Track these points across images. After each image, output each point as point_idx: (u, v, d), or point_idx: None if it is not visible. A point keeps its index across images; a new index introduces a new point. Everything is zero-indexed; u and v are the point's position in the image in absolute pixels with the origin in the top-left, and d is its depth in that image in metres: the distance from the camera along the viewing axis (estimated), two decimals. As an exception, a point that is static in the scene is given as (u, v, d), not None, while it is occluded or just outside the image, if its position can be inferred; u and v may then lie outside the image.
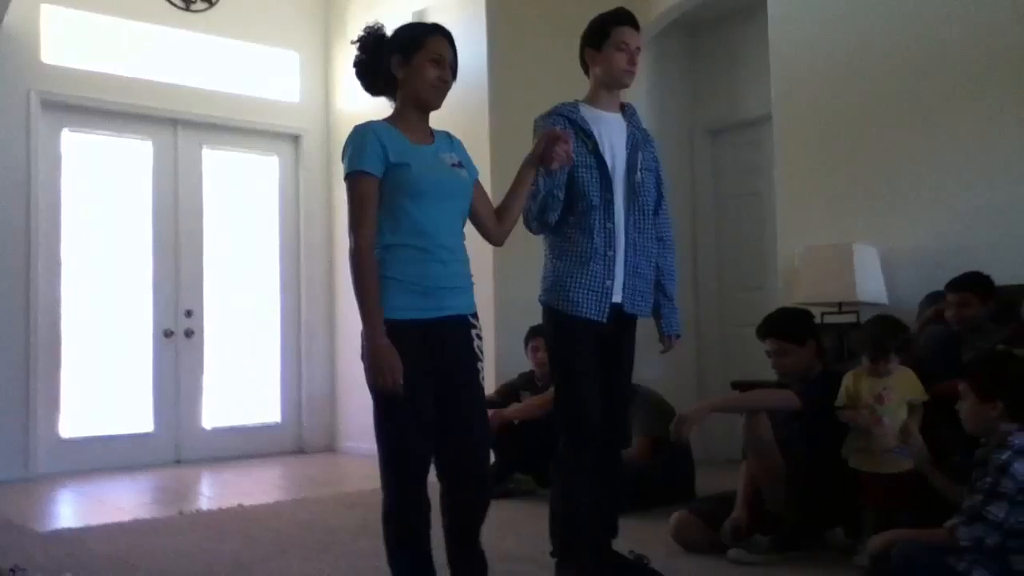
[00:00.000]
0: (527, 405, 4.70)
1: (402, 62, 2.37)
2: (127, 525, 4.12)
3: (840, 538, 3.30)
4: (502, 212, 2.55)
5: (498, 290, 5.35)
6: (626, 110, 2.92)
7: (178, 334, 6.44)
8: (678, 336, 3.00)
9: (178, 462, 6.33)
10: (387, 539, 2.33)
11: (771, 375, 3.57)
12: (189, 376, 6.49)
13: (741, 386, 4.12)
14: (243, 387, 6.81)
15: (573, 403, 2.77)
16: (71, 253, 6.05)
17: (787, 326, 3.46)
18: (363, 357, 2.23)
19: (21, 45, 5.82)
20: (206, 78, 6.62)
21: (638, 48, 2.83)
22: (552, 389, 4.59)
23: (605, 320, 2.75)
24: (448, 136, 2.51)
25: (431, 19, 6.12)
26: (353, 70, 2.50)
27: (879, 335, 3.12)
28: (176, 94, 6.46)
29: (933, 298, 3.70)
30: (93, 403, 6.09)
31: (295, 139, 7.13)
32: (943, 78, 4.13)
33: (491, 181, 5.40)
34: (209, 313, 6.61)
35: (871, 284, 4.10)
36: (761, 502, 3.27)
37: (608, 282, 2.75)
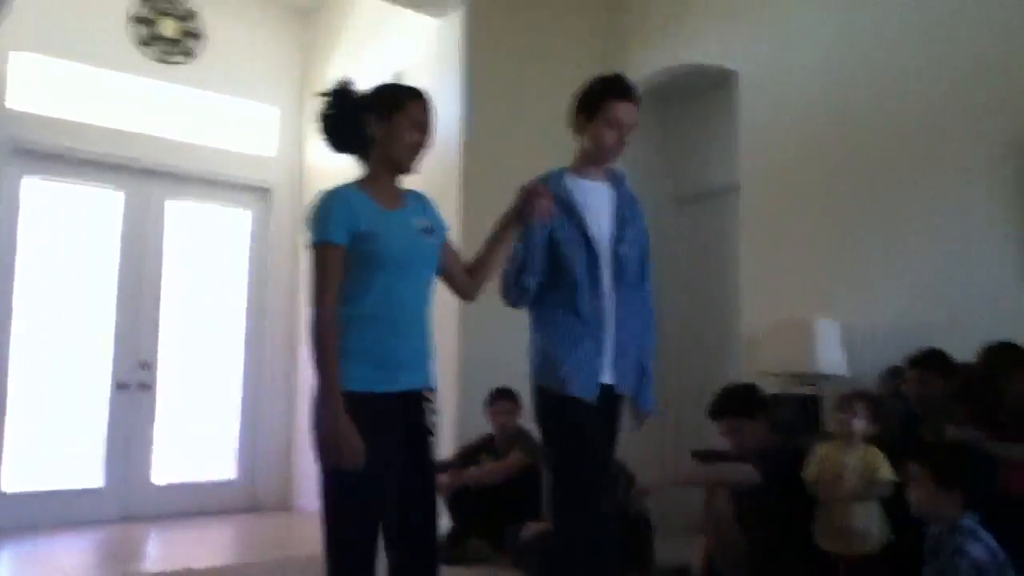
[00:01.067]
0: (488, 470, 4.62)
1: (380, 122, 2.34)
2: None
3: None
4: (476, 266, 2.52)
5: (462, 349, 5.30)
6: (615, 177, 2.81)
7: (133, 387, 6.30)
8: (655, 414, 2.88)
9: (126, 519, 6.14)
10: None
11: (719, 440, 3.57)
12: (142, 430, 6.33)
13: (702, 455, 4.09)
14: (198, 442, 6.65)
15: (571, 490, 2.60)
16: (27, 302, 5.92)
17: (737, 403, 3.49)
18: (316, 428, 2.17)
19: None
20: (178, 129, 6.60)
21: (632, 124, 2.69)
22: (512, 456, 4.57)
23: (594, 401, 2.64)
24: (419, 197, 2.47)
25: (410, 80, 6.15)
26: (318, 125, 2.45)
27: (844, 394, 3.17)
28: (148, 144, 6.43)
29: (893, 372, 3.71)
30: (40, 457, 5.91)
31: (266, 192, 7.11)
32: (906, 157, 4.20)
33: (462, 241, 5.40)
34: (166, 366, 6.48)
35: (831, 356, 4.12)
36: (719, 577, 3.22)
37: (598, 360, 2.65)
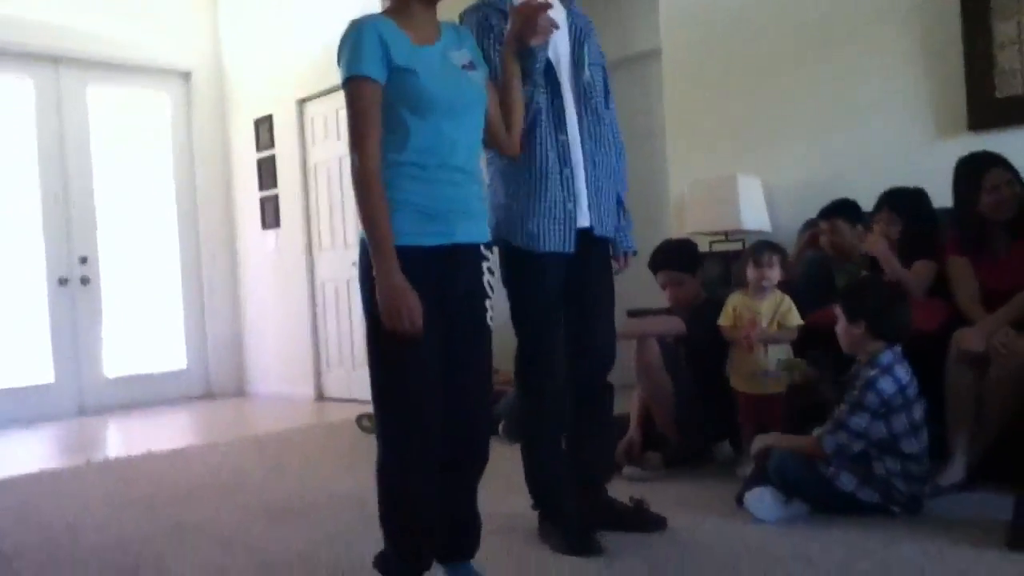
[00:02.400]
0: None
1: None
2: (32, 476, 4.10)
3: (726, 452, 3.55)
4: (504, 118, 2.24)
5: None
6: None
7: (73, 281, 6.29)
8: (635, 253, 2.71)
9: (82, 413, 6.25)
10: (381, 498, 2.02)
11: (662, 303, 3.76)
12: (88, 324, 6.37)
13: (636, 314, 4.30)
14: (146, 334, 6.72)
15: (538, 355, 2.46)
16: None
17: (678, 257, 3.65)
18: (367, 286, 1.96)
19: None
20: (89, 14, 6.34)
21: None
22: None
23: (572, 250, 2.42)
24: (455, 30, 2.15)
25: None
26: None
27: (757, 245, 3.37)
28: (57, 31, 6.18)
29: (809, 225, 3.91)
30: (-13, 356, 5.93)
31: (185, 76, 6.93)
32: (823, 20, 4.28)
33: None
34: (105, 259, 6.46)
35: (755, 213, 4.31)
36: (652, 423, 3.48)
37: (570, 205, 2.40)
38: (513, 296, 2.50)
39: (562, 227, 2.39)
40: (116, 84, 6.60)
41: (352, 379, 6.15)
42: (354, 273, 5.87)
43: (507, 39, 2.24)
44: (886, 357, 2.69)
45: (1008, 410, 2.80)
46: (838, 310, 2.84)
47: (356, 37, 1.94)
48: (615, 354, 2.65)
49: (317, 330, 6.44)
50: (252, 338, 6.99)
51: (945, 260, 3.21)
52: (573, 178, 2.42)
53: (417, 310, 1.88)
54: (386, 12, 2.05)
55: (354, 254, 5.92)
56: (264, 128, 6.70)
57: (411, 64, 1.95)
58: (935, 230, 3.32)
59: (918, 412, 2.68)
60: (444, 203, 1.99)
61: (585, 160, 2.44)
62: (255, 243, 6.90)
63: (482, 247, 2.10)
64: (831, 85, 4.23)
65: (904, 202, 3.38)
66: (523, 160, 2.37)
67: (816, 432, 2.72)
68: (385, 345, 1.93)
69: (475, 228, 2.07)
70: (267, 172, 6.72)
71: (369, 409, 5.12)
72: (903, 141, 3.99)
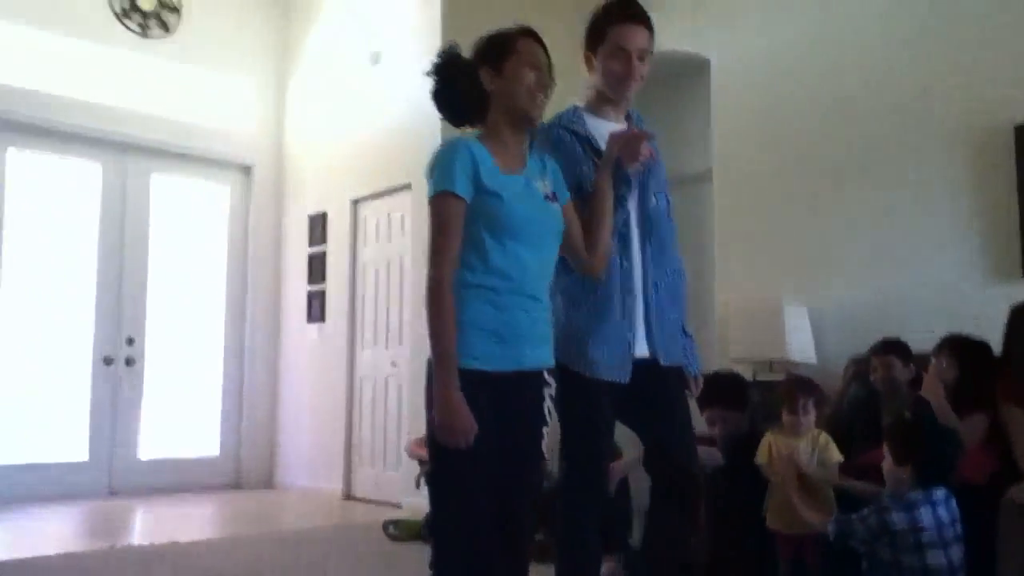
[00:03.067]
0: None
1: (493, 74, 2.09)
2: (55, 559, 4.07)
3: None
4: (591, 238, 2.23)
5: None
6: (631, 119, 2.48)
7: (119, 362, 6.38)
8: (701, 376, 2.61)
9: (112, 493, 6.24)
10: None
11: (702, 422, 3.70)
12: (127, 405, 6.42)
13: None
14: (182, 418, 6.75)
15: (582, 482, 2.37)
16: (10, 275, 5.97)
17: (730, 395, 3.60)
18: (430, 404, 1.98)
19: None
20: (158, 103, 6.63)
21: (643, 49, 2.35)
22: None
23: (627, 382, 2.34)
24: (541, 158, 2.20)
25: (387, 61, 6.24)
26: (434, 103, 2.17)
27: (791, 388, 3.29)
28: (127, 118, 6.47)
29: (855, 361, 3.85)
30: (25, 430, 5.99)
31: (247, 169, 7.15)
32: (874, 148, 4.32)
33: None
34: (151, 342, 6.56)
35: (801, 344, 4.26)
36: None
37: (629, 334, 2.33)
38: (565, 419, 2.40)
39: (621, 356, 2.33)
40: (180, 173, 6.84)
41: (381, 479, 6.08)
42: (392, 372, 6.02)
43: (604, 160, 2.28)
44: (914, 496, 2.62)
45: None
46: (885, 449, 2.77)
47: (450, 155, 2.01)
48: (695, 458, 2.51)
49: (352, 426, 6.42)
50: (286, 429, 6.98)
51: (999, 408, 3.12)
52: (634, 307, 2.36)
53: (472, 428, 1.90)
54: (479, 137, 2.11)
55: (395, 354, 6.05)
56: (318, 224, 6.85)
57: (497, 188, 2.01)
58: (991, 379, 3.23)
59: (956, 554, 2.58)
60: (514, 328, 2.02)
61: (647, 287, 2.39)
62: (299, 335, 6.97)
63: (545, 373, 2.11)
64: (883, 219, 4.24)
65: (966, 352, 3.30)
66: (586, 283, 2.33)
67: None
68: (442, 465, 1.99)
69: (541, 354, 2.10)
70: (317, 267, 6.84)
71: (396, 515, 5.05)
72: (954, 282, 3.95)
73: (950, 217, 4.00)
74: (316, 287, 6.84)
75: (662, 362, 2.39)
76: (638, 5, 2.39)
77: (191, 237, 6.90)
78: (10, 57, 5.99)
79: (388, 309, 6.20)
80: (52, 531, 4.94)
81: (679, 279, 2.55)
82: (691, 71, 5.54)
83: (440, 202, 2.00)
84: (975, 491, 2.81)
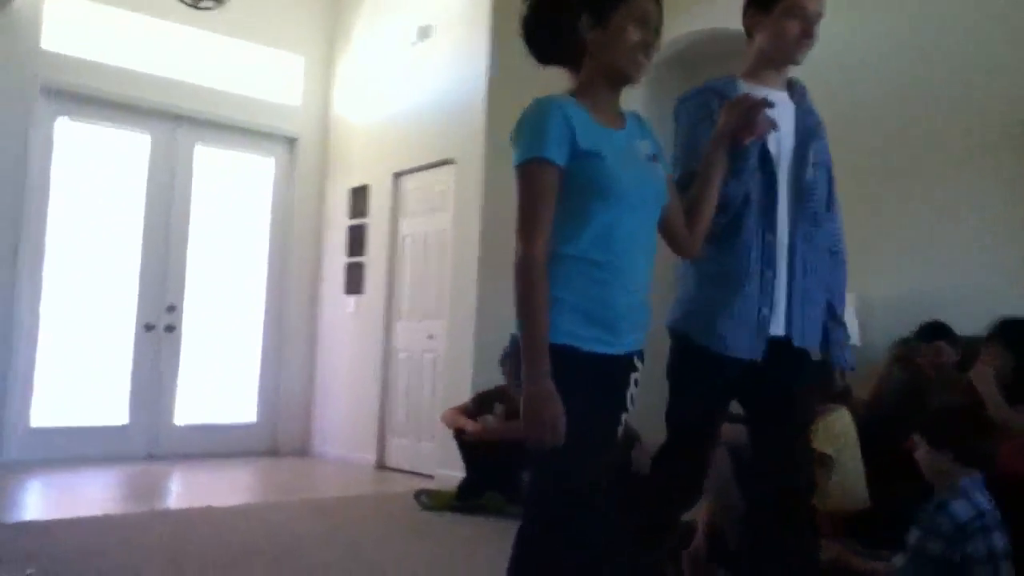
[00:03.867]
0: (510, 426, 4.67)
1: (594, 24, 1.87)
2: (96, 520, 4.14)
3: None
4: (692, 214, 2.05)
5: (481, 302, 5.41)
6: (795, 89, 2.35)
7: (159, 329, 6.46)
8: (852, 369, 2.45)
9: (150, 457, 6.34)
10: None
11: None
12: (167, 371, 6.51)
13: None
14: (220, 385, 6.83)
15: (684, 460, 2.29)
16: (58, 241, 6.06)
17: None
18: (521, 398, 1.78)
19: (24, 30, 5.85)
20: (208, 76, 6.67)
21: (819, 14, 2.23)
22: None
23: (760, 358, 2.18)
24: (638, 118, 2.00)
25: (435, 36, 6.21)
26: (520, 30, 1.97)
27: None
28: (177, 89, 6.51)
29: (901, 343, 3.77)
30: (67, 393, 6.09)
31: (291, 142, 7.18)
32: (922, 137, 4.22)
33: (485, 205, 5.49)
34: (191, 309, 6.63)
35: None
36: (723, 539, 3.32)
37: (765, 310, 2.17)
38: (676, 392, 2.30)
39: (753, 333, 2.16)
40: (226, 145, 6.88)
41: (416, 451, 6.11)
42: (429, 345, 6.03)
43: (718, 132, 2.09)
44: (967, 481, 2.54)
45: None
46: (918, 437, 2.70)
47: (539, 117, 1.80)
48: (810, 476, 2.35)
49: (387, 397, 6.45)
50: (321, 399, 7.03)
51: None
52: (774, 283, 2.18)
53: (561, 420, 1.72)
54: (570, 92, 1.91)
55: (432, 327, 6.06)
56: (360, 197, 6.86)
57: (598, 147, 1.80)
58: None
59: (1000, 542, 2.49)
60: (612, 311, 1.82)
61: (794, 264, 2.21)
62: (337, 306, 7.00)
63: (635, 359, 1.92)
64: (933, 203, 4.13)
65: (1016, 334, 3.20)
66: (723, 254, 2.18)
67: (895, 560, 2.56)
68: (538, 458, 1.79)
69: (636, 339, 1.91)
70: (356, 240, 6.86)
71: (428, 485, 5.07)
72: (1002, 269, 3.84)
73: (998, 208, 3.90)
74: (355, 259, 6.86)
75: (795, 343, 2.21)
76: None
77: (235, 208, 6.95)
78: (62, 28, 6.05)
79: (427, 282, 6.20)
80: (93, 494, 5.03)
81: (838, 261, 2.37)
82: (742, 50, 5.44)
83: (531, 169, 1.78)
84: (1019, 483, 2.74)
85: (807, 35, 2.21)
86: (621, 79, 1.90)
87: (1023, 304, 3.51)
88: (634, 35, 1.85)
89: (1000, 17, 4.03)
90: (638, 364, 1.93)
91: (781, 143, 2.21)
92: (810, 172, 2.24)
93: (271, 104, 7.02)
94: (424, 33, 6.27)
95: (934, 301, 3.97)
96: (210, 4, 6.60)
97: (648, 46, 1.87)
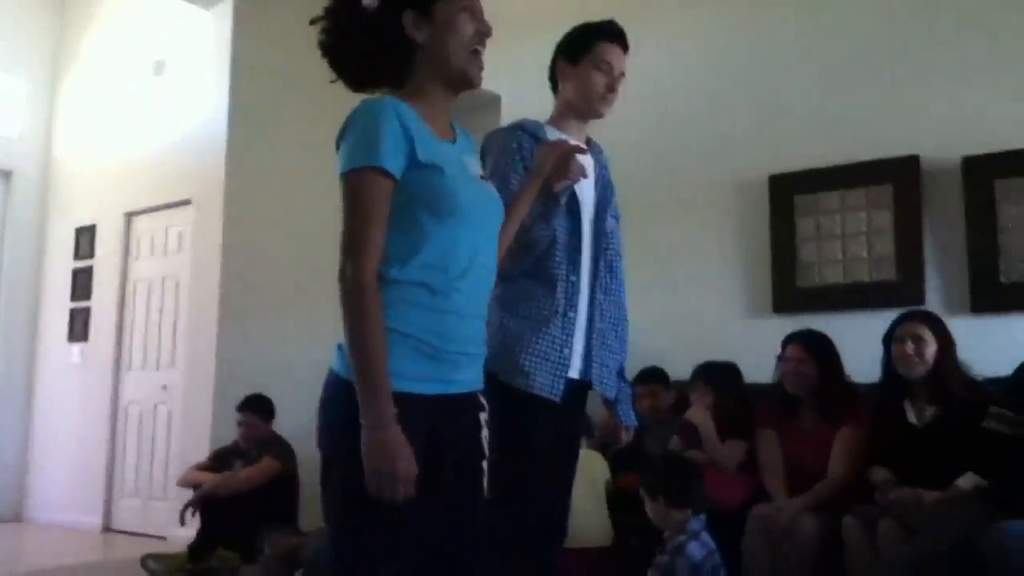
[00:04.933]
0: (243, 476, 4.48)
1: (420, 21, 1.66)
2: None
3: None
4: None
5: (220, 349, 5.15)
6: (591, 144, 2.41)
7: None
8: (636, 426, 2.46)
9: None
10: None
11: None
12: None
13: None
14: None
15: (523, 508, 2.09)
16: None
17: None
18: (334, 433, 1.56)
19: None
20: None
21: (622, 74, 2.31)
22: (263, 462, 4.49)
23: (559, 399, 2.13)
24: (466, 133, 1.80)
25: (172, 70, 5.95)
26: (325, 56, 1.72)
27: None
28: None
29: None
30: None
31: (5, 175, 6.55)
32: (650, 191, 4.57)
33: (224, 238, 5.25)
34: None
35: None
36: None
37: (566, 350, 2.15)
38: (501, 436, 1.98)
39: (554, 371, 2.13)
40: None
41: (147, 511, 5.70)
42: (162, 397, 5.67)
43: (534, 172, 2.11)
44: (694, 524, 2.77)
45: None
46: (647, 492, 2.89)
47: (372, 120, 1.55)
48: (566, 531, 2.29)
49: (115, 454, 5.98)
50: (39, 457, 6.39)
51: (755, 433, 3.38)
52: (574, 324, 2.19)
53: (413, 472, 1.46)
54: (400, 95, 1.65)
55: (166, 377, 5.71)
56: (85, 238, 6.37)
57: (438, 160, 1.58)
58: (748, 406, 3.50)
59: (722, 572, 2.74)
60: (448, 342, 1.58)
61: (593, 309, 2.24)
62: (58, 355, 6.42)
63: (480, 396, 1.70)
64: (654, 251, 4.45)
65: (717, 375, 3.57)
66: (532, 291, 2.17)
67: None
68: (358, 512, 1.49)
69: (475, 373, 1.68)
70: (82, 283, 6.35)
71: (159, 547, 4.73)
72: (716, 316, 4.24)
73: (717, 256, 4.30)
74: (80, 304, 6.34)
75: (595, 386, 2.24)
76: (623, 31, 2.34)
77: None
78: None
79: (161, 329, 5.85)
80: None
81: (624, 318, 2.41)
82: (483, 106, 5.66)
83: (360, 180, 1.53)
84: (729, 514, 3.02)
85: (611, 90, 2.29)
86: (458, 81, 1.69)
87: (739, 349, 3.84)
88: (466, 26, 1.67)
89: (728, 75, 4.40)
90: (483, 403, 1.71)
91: (584, 192, 2.26)
92: (610, 222, 2.33)
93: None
94: (160, 67, 5.99)
95: (651, 345, 4.28)
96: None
97: (483, 36, 1.69)
